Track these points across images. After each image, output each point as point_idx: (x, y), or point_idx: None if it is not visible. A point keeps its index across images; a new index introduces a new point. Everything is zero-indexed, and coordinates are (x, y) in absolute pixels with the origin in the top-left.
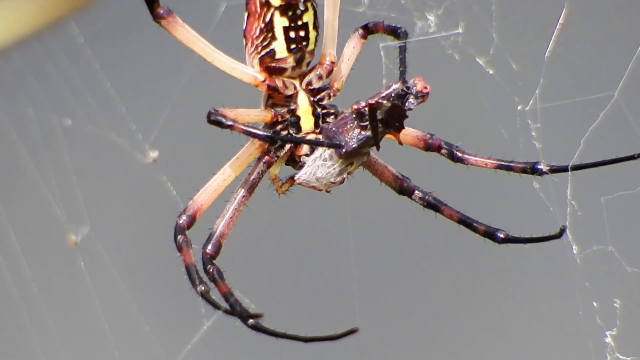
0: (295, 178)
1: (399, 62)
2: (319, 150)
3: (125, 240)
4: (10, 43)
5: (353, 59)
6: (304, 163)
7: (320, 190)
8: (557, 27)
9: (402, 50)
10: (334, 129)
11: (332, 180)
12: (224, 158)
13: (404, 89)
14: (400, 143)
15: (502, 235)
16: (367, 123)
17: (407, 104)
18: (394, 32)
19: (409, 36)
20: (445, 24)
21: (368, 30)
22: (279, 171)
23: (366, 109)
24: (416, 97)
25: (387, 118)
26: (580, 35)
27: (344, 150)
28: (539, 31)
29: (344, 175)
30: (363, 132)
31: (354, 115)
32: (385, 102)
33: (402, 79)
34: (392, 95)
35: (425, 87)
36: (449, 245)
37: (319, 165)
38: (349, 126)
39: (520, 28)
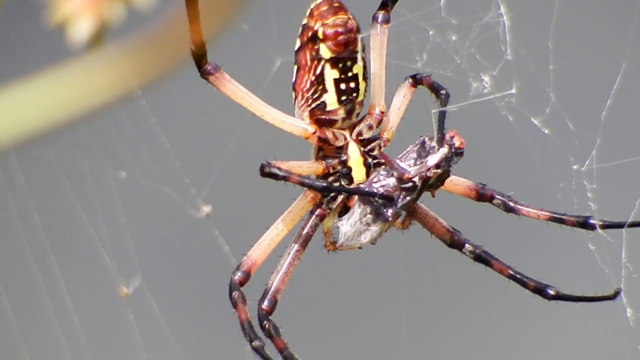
0: (337, 245)
1: (437, 125)
2: (357, 213)
3: (177, 294)
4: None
5: (403, 108)
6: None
7: (361, 247)
8: (616, 86)
9: (442, 115)
10: (373, 190)
11: (375, 239)
12: (276, 212)
13: (451, 152)
14: (433, 196)
15: (552, 292)
16: (410, 185)
17: (451, 164)
18: (437, 91)
19: (450, 98)
20: (500, 84)
21: (416, 80)
22: (332, 225)
23: (416, 178)
24: (456, 155)
25: (434, 182)
26: (639, 94)
27: (388, 214)
28: (597, 90)
29: (386, 231)
30: (405, 193)
31: (396, 178)
32: (435, 170)
33: (443, 142)
34: (442, 162)
35: (462, 143)
36: (499, 297)
37: (362, 230)
38: (390, 188)
39: (579, 87)
